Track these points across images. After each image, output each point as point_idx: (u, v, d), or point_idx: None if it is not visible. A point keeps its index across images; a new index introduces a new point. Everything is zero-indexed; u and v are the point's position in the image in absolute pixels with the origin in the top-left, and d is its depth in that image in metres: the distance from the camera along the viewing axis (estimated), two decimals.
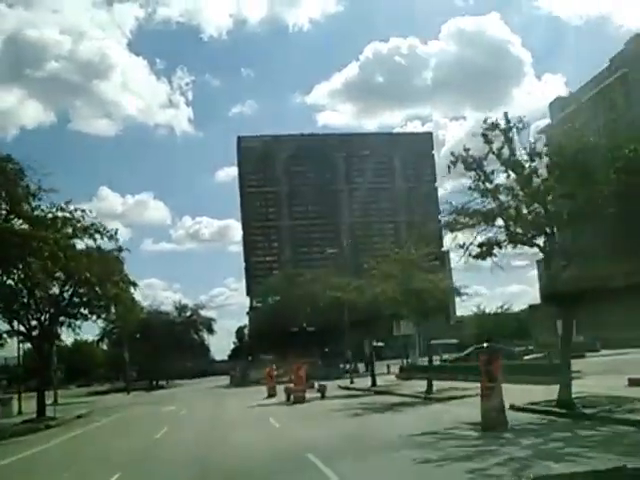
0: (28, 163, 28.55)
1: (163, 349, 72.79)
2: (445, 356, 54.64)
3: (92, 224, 32.73)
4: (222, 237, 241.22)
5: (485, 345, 43.09)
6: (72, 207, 31.98)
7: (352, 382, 46.07)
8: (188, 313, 78.41)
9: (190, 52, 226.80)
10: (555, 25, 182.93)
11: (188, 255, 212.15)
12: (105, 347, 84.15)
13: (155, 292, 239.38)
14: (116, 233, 33.85)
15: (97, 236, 33.23)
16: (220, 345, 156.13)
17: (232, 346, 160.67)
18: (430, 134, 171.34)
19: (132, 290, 37.57)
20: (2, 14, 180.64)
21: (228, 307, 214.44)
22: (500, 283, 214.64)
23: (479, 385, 17.42)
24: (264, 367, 76.45)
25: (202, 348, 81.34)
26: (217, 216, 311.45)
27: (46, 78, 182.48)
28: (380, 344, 67.24)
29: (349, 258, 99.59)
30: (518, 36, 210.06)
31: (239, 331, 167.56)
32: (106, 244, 35.15)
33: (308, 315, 60.58)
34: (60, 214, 31.04)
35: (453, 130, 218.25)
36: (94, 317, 38.66)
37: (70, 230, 31.88)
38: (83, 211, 32.32)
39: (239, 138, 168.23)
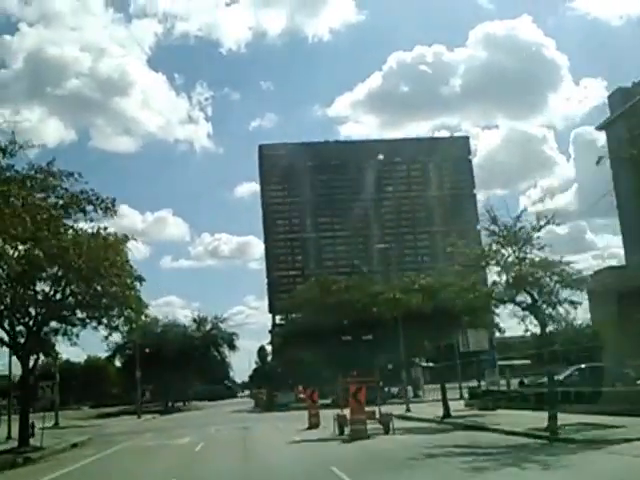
0: None
1: (179, 367, 64.11)
2: (519, 379, 45.20)
3: (82, 191, 24.36)
4: (242, 254, 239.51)
5: (583, 366, 34.18)
6: (56, 169, 23.81)
7: (409, 410, 37.11)
8: (208, 327, 69.80)
9: (209, 66, 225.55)
10: (593, 26, 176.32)
11: (207, 272, 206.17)
12: (119, 364, 75.69)
13: (173, 310, 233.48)
14: (114, 204, 25.29)
15: (89, 208, 24.83)
16: (240, 366, 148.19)
17: (254, 366, 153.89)
18: (467, 138, 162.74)
19: (138, 286, 29.09)
20: (23, 33, 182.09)
21: (248, 326, 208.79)
22: None
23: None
24: (293, 389, 68.73)
25: (222, 366, 72.41)
26: (237, 232, 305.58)
27: (67, 95, 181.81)
28: (430, 364, 58.19)
29: (381, 270, 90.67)
30: (552, 39, 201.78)
31: (261, 350, 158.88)
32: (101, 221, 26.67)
33: (346, 327, 51.67)
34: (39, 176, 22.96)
35: (485, 139, 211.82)
36: (93, 323, 30.15)
37: (52, 198, 23.65)
38: (71, 174, 24.01)
39: (260, 147, 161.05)
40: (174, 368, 63.77)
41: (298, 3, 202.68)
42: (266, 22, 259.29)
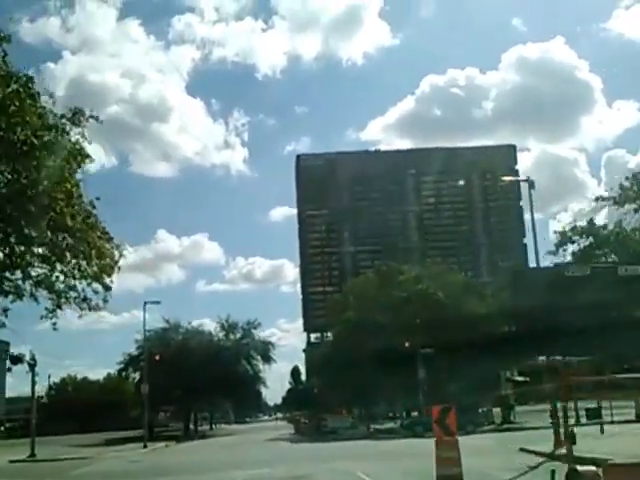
0: None
1: (204, 383, 52.17)
2: None
3: None
4: (275, 277, 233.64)
5: None
6: None
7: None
8: (238, 335, 57.47)
9: (245, 92, 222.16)
10: (627, 48, 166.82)
11: (240, 295, 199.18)
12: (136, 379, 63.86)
13: None
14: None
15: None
16: (271, 388, 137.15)
17: (287, 388, 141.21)
18: (513, 147, 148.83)
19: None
20: (66, 60, 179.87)
21: (279, 349, 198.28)
22: None
23: None
24: (339, 412, 56.24)
25: (255, 382, 59.38)
26: (270, 256, 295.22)
27: (107, 121, 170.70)
28: (520, 378, 45.12)
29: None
30: (586, 61, 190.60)
31: (295, 371, 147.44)
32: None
33: (416, 330, 39.13)
34: None
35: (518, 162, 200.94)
36: (54, 260, 17.94)
37: None
38: None
39: (298, 157, 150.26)
40: (197, 384, 52.06)
41: (332, 27, 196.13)
42: (301, 47, 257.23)
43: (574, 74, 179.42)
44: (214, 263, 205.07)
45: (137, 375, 57.10)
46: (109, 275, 18.23)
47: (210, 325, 60.30)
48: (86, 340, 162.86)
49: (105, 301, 18.48)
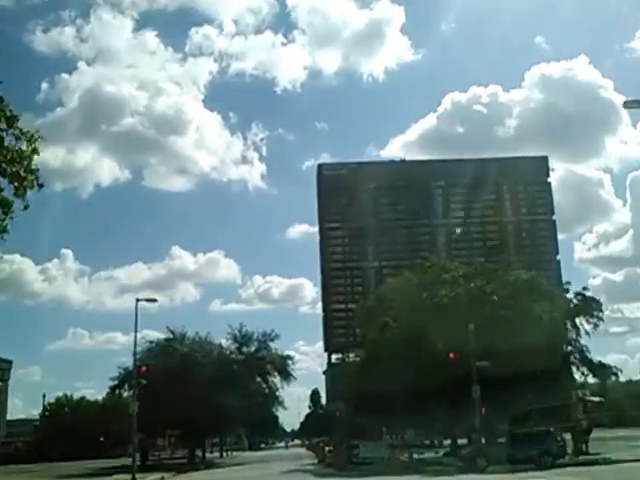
0: None
1: (212, 402, 44.33)
2: None
3: None
4: (293, 297, 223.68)
5: None
6: None
7: None
8: (253, 347, 49.34)
9: (264, 106, 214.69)
10: None
11: (257, 316, 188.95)
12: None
13: None
14: None
15: None
16: (288, 413, 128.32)
17: (305, 413, 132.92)
18: (545, 158, 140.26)
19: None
20: (81, 71, 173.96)
21: (297, 372, 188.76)
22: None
23: None
24: (372, 438, 47.90)
25: (272, 402, 50.98)
26: (289, 275, 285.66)
27: (122, 134, 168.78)
28: (595, 398, 36.58)
29: None
30: (610, 80, 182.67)
31: (314, 394, 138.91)
32: None
33: (469, 338, 30.96)
34: None
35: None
36: None
37: None
38: None
39: (320, 166, 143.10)
40: (205, 404, 44.14)
41: (354, 42, 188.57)
42: (321, 61, 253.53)
43: (598, 93, 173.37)
44: (230, 282, 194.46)
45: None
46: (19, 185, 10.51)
47: (222, 338, 51.93)
48: (96, 361, 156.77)
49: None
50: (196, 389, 43.25)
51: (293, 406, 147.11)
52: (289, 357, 48.85)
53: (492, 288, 34.16)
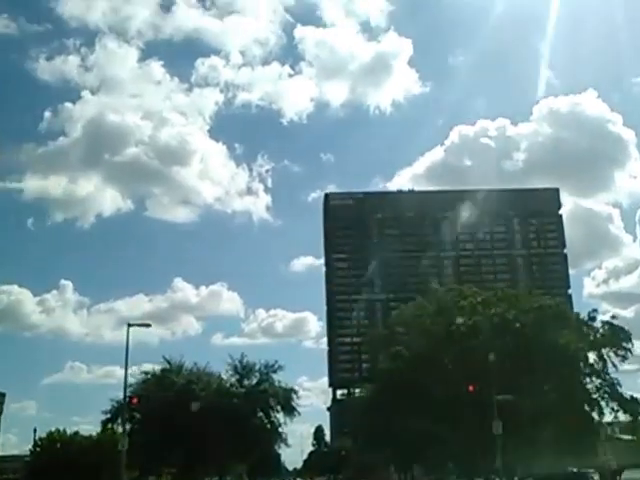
0: None
1: (210, 438, 41.33)
2: None
3: None
4: (297, 331, 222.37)
5: None
6: None
7: None
8: (254, 380, 46.10)
9: (270, 137, 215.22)
10: None
11: (260, 350, 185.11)
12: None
13: None
14: None
15: None
16: (290, 450, 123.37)
17: (308, 450, 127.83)
18: (557, 190, 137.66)
19: None
20: (85, 100, 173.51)
21: (300, 409, 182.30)
22: None
23: None
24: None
25: (274, 439, 47.32)
26: (293, 309, 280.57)
27: (125, 164, 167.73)
28: (626, 437, 33.41)
29: None
30: (619, 114, 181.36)
31: (318, 431, 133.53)
32: None
33: (489, 369, 28.02)
34: None
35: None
36: None
37: None
38: None
39: (326, 195, 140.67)
40: (203, 440, 41.15)
41: (361, 74, 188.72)
42: (328, 93, 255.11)
43: (607, 127, 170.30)
44: (233, 315, 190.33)
45: (128, 427, 46.14)
46: None
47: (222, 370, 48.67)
48: (94, 395, 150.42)
49: None
50: (194, 424, 40.29)
51: (296, 443, 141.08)
52: (293, 390, 45.56)
53: (514, 315, 31.35)
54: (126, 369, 33.31)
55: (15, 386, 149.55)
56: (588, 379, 33.98)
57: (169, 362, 45.66)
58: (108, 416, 45.30)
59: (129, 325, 31.22)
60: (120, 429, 47.00)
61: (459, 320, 31.36)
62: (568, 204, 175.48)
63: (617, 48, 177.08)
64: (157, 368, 46.05)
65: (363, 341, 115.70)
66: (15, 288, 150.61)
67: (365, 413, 41.49)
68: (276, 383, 45.66)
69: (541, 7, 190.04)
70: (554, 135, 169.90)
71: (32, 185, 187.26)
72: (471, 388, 27.72)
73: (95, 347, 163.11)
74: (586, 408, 31.62)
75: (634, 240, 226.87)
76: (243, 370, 45.95)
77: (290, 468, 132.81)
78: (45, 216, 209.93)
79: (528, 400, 27.12)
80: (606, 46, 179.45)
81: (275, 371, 45.75)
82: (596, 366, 34.27)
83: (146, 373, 45.32)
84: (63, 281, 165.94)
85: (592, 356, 33.77)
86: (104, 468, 64.31)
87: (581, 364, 31.08)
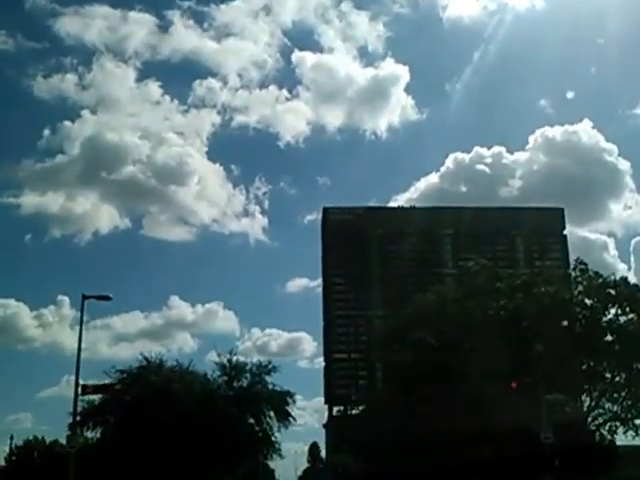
0: None
1: (193, 448, 35.02)
2: None
3: None
4: (291, 351, 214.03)
5: None
6: None
7: None
8: (245, 382, 39.58)
9: (267, 159, 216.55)
10: None
11: None
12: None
13: None
14: None
15: None
16: (283, 469, 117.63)
17: (303, 468, 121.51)
18: (561, 210, 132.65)
19: None
20: (83, 119, 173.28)
21: (292, 428, 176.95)
22: None
23: None
24: None
25: (266, 448, 40.55)
26: (288, 329, 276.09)
27: (123, 182, 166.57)
28: None
29: None
30: (614, 144, 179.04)
31: (313, 448, 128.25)
32: None
33: (536, 361, 21.77)
34: None
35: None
36: None
37: None
38: None
39: (325, 210, 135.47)
40: (184, 450, 34.81)
41: (357, 99, 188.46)
42: (325, 117, 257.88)
43: (603, 157, 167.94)
44: (229, 333, 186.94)
45: (98, 433, 39.56)
46: None
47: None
48: None
49: None
50: (173, 431, 33.88)
51: (290, 461, 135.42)
52: (289, 393, 38.89)
53: (569, 296, 25.37)
54: (79, 344, 27.36)
55: (11, 399, 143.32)
56: None
57: (147, 359, 39.27)
58: (79, 418, 38.37)
59: (84, 297, 26.15)
60: (90, 434, 40.72)
61: (496, 304, 25.40)
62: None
63: (613, 79, 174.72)
64: (134, 367, 39.54)
65: (363, 349, 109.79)
66: (12, 302, 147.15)
67: (368, 426, 35.18)
68: (270, 386, 39.23)
69: (537, 36, 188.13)
70: (549, 164, 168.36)
71: (30, 201, 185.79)
72: (514, 385, 21.85)
73: (91, 362, 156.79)
74: None
75: (629, 269, 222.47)
76: (232, 370, 39.41)
77: None
78: (43, 232, 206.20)
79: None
80: (602, 77, 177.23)
81: (269, 372, 39.30)
82: None
83: (122, 372, 38.81)
84: (60, 296, 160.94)
85: None
86: (86, 478, 57.36)
87: None
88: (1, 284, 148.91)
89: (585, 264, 28.13)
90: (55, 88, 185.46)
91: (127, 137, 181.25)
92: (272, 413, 38.34)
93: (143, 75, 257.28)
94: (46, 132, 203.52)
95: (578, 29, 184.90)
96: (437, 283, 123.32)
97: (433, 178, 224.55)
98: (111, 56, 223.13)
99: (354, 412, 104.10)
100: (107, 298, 28.15)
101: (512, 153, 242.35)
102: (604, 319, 26.35)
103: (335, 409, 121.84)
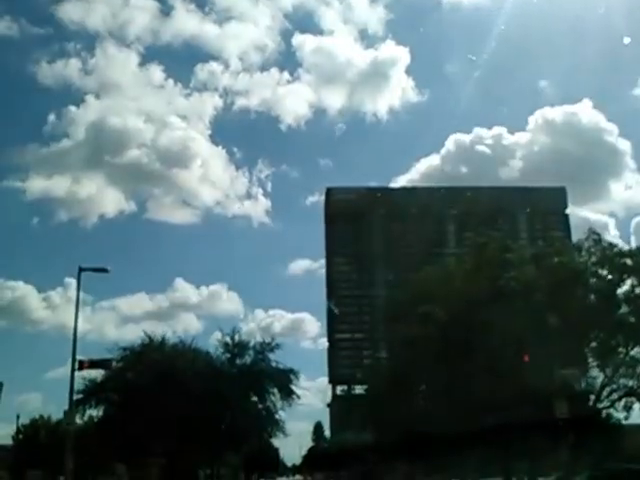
0: None
1: (198, 424, 34.04)
2: None
3: None
4: (295, 332, 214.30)
5: None
6: None
7: None
8: (249, 359, 38.59)
9: (269, 142, 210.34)
10: None
11: None
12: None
13: None
14: None
15: None
16: (288, 448, 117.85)
17: (307, 447, 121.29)
18: (563, 189, 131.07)
19: None
20: (88, 104, 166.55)
21: (296, 408, 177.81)
22: None
23: None
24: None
25: (270, 427, 39.65)
26: (291, 309, 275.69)
27: (127, 166, 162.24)
28: None
29: None
30: (615, 124, 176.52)
31: (317, 428, 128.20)
32: None
33: (552, 334, 20.57)
34: None
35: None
36: None
37: None
38: None
39: (328, 190, 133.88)
40: (189, 427, 33.90)
41: (358, 81, 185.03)
42: (326, 99, 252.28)
43: (603, 137, 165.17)
44: (233, 315, 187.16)
45: (101, 411, 38.66)
46: None
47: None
48: None
49: None
50: (178, 408, 32.91)
51: (294, 441, 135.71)
52: (293, 371, 38.00)
53: (585, 265, 24.14)
54: (76, 318, 26.21)
55: (20, 380, 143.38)
56: None
57: (150, 337, 38.27)
58: (80, 396, 37.40)
59: (80, 270, 24.89)
60: (94, 412, 39.83)
61: (507, 275, 24.29)
62: None
63: (614, 59, 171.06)
64: (137, 344, 38.57)
65: (367, 329, 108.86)
66: (20, 284, 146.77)
67: (377, 404, 34.10)
68: (273, 364, 38.21)
69: (538, 17, 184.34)
70: (550, 144, 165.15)
71: (36, 185, 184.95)
72: (526, 358, 20.81)
73: (99, 343, 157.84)
74: None
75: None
76: (235, 348, 38.38)
77: (289, 464, 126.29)
78: (49, 215, 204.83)
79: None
80: (603, 57, 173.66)
81: (272, 350, 38.28)
82: None
83: (124, 349, 37.82)
84: (67, 279, 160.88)
85: None
86: (93, 456, 56.89)
87: None
88: (10, 267, 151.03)
89: (598, 234, 27.01)
90: (59, 73, 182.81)
91: (131, 121, 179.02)
92: (276, 391, 37.51)
93: (146, 59, 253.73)
94: (51, 117, 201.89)
95: (578, 9, 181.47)
96: (440, 263, 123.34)
97: (434, 159, 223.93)
98: (114, 41, 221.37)
99: (358, 391, 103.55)
100: (104, 270, 26.88)
101: (512, 134, 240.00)
102: (619, 291, 25.31)
103: (339, 388, 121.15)
